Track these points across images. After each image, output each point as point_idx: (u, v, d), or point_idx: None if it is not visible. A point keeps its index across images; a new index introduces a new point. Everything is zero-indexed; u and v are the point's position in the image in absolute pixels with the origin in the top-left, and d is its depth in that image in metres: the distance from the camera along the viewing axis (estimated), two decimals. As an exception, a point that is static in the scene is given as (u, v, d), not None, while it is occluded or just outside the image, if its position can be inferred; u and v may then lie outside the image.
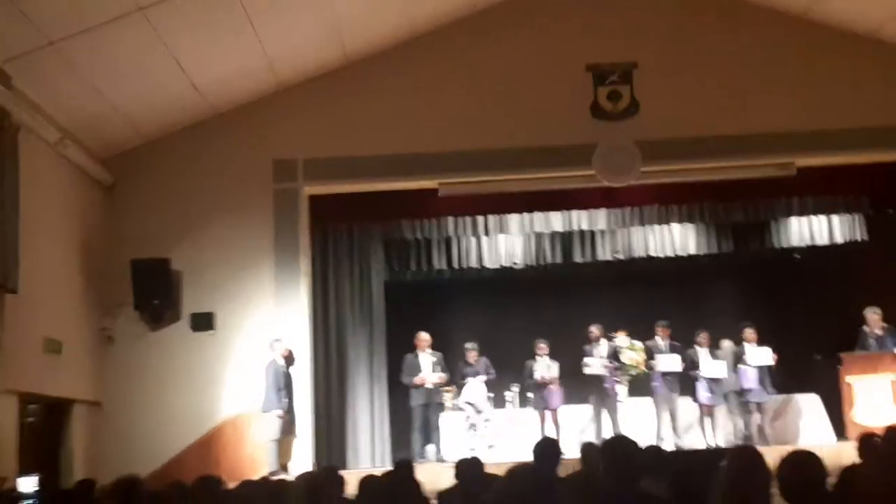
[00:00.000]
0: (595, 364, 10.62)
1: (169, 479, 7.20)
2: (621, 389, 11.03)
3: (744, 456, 3.81)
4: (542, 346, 10.84)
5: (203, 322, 10.31)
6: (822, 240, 12.16)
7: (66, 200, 9.65)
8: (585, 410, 10.98)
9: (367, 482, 5.07)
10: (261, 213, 10.51)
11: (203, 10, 8.55)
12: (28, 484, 6.74)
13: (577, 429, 10.88)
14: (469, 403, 10.67)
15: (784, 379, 11.13)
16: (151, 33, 8.53)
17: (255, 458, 9.93)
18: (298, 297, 10.47)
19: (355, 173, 10.61)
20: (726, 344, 11.08)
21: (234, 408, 10.17)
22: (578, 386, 10.99)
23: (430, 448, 10.71)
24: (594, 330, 10.91)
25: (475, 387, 10.68)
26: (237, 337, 10.34)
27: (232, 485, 5.39)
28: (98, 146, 10.17)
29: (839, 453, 8.63)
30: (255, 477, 8.48)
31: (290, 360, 10.20)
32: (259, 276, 10.42)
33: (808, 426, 10.94)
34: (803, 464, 3.09)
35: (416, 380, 10.65)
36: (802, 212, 11.82)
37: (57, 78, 8.66)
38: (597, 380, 10.65)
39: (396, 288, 12.17)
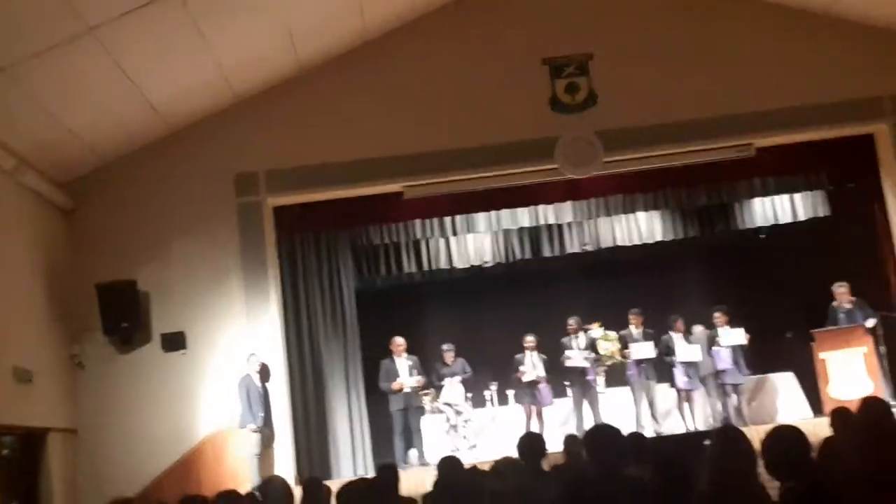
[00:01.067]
0: (576, 356, 10.65)
1: (151, 502, 7.13)
2: (600, 380, 11.08)
3: (728, 435, 3.84)
4: (530, 341, 10.82)
5: (174, 342, 10.20)
6: (785, 218, 12.30)
7: (26, 228, 9.49)
8: (565, 404, 11.01)
9: (347, 489, 5.01)
10: (226, 228, 10.41)
11: (154, 26, 8.44)
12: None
13: (558, 422, 10.91)
14: (448, 405, 10.67)
15: (758, 359, 11.25)
16: (103, 54, 8.40)
17: (237, 473, 9.84)
18: (269, 310, 10.39)
19: (318, 182, 10.55)
20: (699, 328, 11.17)
21: (213, 425, 10.06)
22: (557, 379, 11.02)
23: (413, 453, 10.68)
24: (572, 322, 10.93)
25: (453, 387, 10.67)
26: (210, 354, 10.23)
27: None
28: (56, 171, 10.01)
29: (816, 429, 8.76)
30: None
31: (265, 373, 10.12)
32: (228, 291, 10.33)
33: (784, 404, 11.07)
34: (787, 439, 3.12)
35: (394, 385, 10.61)
36: (764, 192, 11.94)
37: (9, 104, 8.50)
38: (577, 372, 10.67)
39: (368, 294, 12.13)
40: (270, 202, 10.67)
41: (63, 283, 10.01)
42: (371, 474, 10.16)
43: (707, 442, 3.67)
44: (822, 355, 10.26)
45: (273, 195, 10.62)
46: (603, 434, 4.10)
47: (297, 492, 5.87)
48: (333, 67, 10.68)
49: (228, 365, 10.09)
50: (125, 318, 9.98)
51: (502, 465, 4.64)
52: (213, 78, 9.93)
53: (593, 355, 10.86)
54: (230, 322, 10.28)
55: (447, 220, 11.67)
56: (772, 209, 12.32)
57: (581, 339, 10.88)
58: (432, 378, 11.09)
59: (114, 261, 10.20)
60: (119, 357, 10.15)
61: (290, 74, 10.58)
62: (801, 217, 12.25)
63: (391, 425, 10.70)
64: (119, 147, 10.29)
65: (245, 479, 9.63)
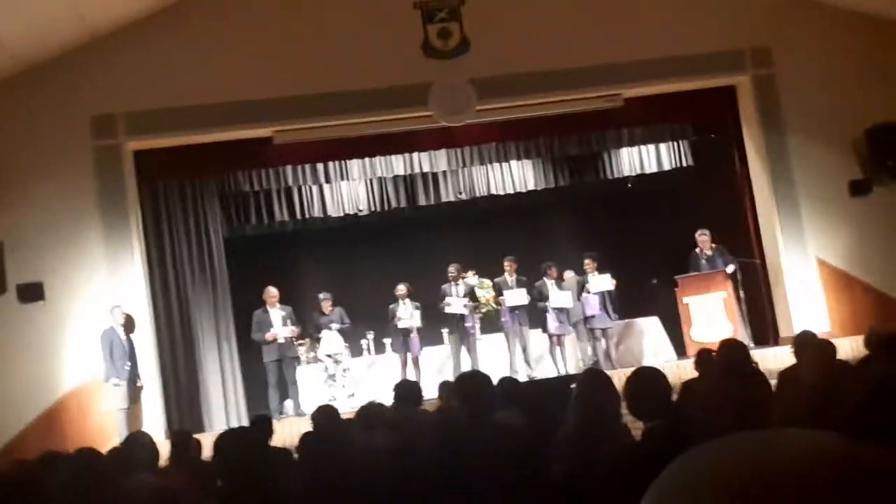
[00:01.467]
0: (455, 303, 10.70)
1: (12, 458, 6.80)
2: (476, 328, 11.20)
3: (592, 379, 3.93)
4: (402, 289, 10.80)
5: (32, 293, 9.67)
6: (651, 168, 12.64)
7: None
8: (443, 351, 11.09)
9: (222, 438, 4.89)
10: (82, 172, 9.89)
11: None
12: None
13: (434, 369, 10.99)
14: (328, 356, 10.57)
15: (626, 304, 11.60)
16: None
17: (104, 428, 9.54)
18: (132, 261, 9.98)
19: (183, 125, 10.13)
20: (570, 275, 11.41)
21: (77, 379, 9.67)
22: (434, 327, 11.07)
23: (289, 403, 10.58)
24: (453, 269, 10.95)
25: (332, 338, 10.57)
26: (71, 305, 9.79)
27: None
28: None
29: (679, 371, 9.14)
30: (104, 449, 8.17)
31: (129, 325, 9.76)
32: (87, 240, 9.86)
33: (650, 347, 11.47)
34: (648, 379, 3.19)
35: (268, 335, 10.43)
36: (632, 142, 12.22)
37: None
38: (456, 319, 10.73)
39: (238, 243, 11.84)
40: (131, 146, 10.19)
41: None
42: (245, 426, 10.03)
43: (573, 386, 3.74)
44: (685, 300, 10.66)
45: (133, 138, 10.14)
46: (473, 381, 4.12)
47: (167, 446, 5.71)
48: (199, 3, 10.22)
49: (91, 316, 9.69)
50: (-24, 268, 9.41)
51: (369, 410, 4.62)
52: (66, 14, 9.33)
53: (472, 303, 10.96)
54: (91, 272, 9.84)
55: (320, 166, 11.42)
56: (638, 159, 12.63)
57: (461, 287, 10.94)
58: (310, 328, 10.96)
59: (-38, 208, 9.58)
60: (-30, 309, 9.59)
61: (151, 10, 10.06)
62: (666, 167, 12.62)
63: (265, 377, 10.55)
64: (-37, 86, 9.59)
65: (112, 435, 9.34)
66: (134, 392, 9.63)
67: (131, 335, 9.75)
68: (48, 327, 9.71)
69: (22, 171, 9.78)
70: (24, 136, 9.83)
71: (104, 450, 5.31)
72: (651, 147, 12.54)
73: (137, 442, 5.01)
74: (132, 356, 9.66)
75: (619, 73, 10.74)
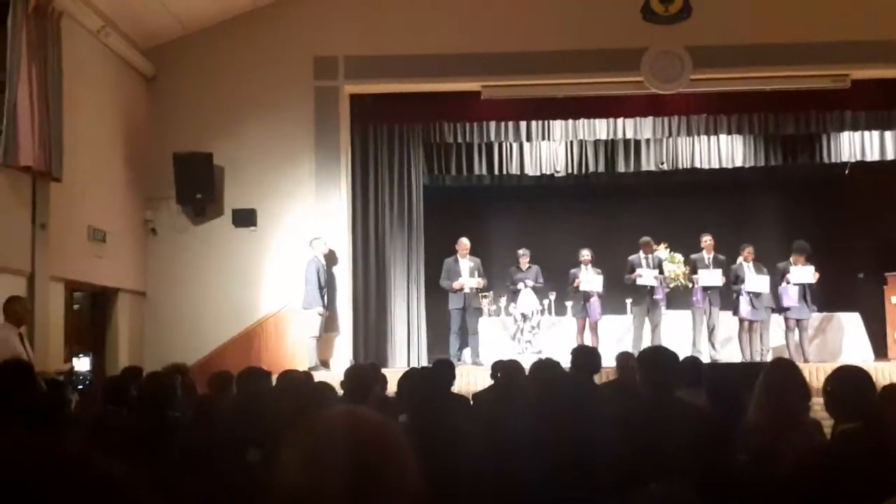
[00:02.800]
0: (647, 274, 10.52)
1: (211, 370, 7.39)
2: (663, 302, 10.97)
3: (780, 368, 3.78)
4: (586, 255, 10.74)
5: (245, 218, 10.37)
6: (873, 156, 11.80)
7: (108, 90, 9.63)
8: (623, 321, 10.96)
9: (408, 375, 5.11)
10: (301, 110, 10.42)
11: None
12: (83, 364, 6.95)
13: (614, 339, 10.89)
14: (522, 314, 10.66)
15: (827, 296, 10.99)
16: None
17: (295, 354, 10.12)
18: (339, 197, 10.46)
19: (397, 73, 10.44)
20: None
21: (275, 304, 10.31)
22: (618, 295, 10.95)
23: (467, 352, 10.83)
24: (647, 240, 10.76)
25: (527, 296, 10.67)
26: (278, 234, 10.41)
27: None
28: (140, 36, 10.09)
29: (876, 374, 8.61)
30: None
31: (331, 259, 10.27)
32: (299, 174, 10.41)
33: (848, 345, 10.85)
34: (853, 379, 3.05)
35: (455, 284, 10.68)
36: (854, 126, 11.45)
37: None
38: (646, 290, 10.55)
39: (435, 192, 12.13)
40: (348, 89, 10.62)
41: (141, 150, 10.21)
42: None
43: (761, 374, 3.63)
44: (894, 299, 9.99)
45: (351, 82, 10.56)
46: (659, 356, 4.04)
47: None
48: (424, -45, 10.44)
49: (295, 246, 10.25)
50: (199, 189, 10.15)
51: (547, 371, 4.66)
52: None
53: (661, 275, 10.75)
54: (300, 204, 10.40)
55: (523, 124, 11.46)
56: (860, 145, 11.82)
57: (651, 259, 10.73)
58: (506, 281, 11.14)
59: (191, 132, 10.33)
60: (191, 227, 10.39)
61: (379, -41, 10.38)
62: (890, 156, 11.74)
63: (448, 323, 10.84)
64: (203, 18, 10.29)
65: (303, 360, 9.90)
66: (328, 322, 10.15)
67: (331, 268, 10.26)
68: (256, 252, 10.39)
69: (247, 104, 10.43)
70: (251, 70, 10.45)
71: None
72: (875, 133, 11.70)
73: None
74: (330, 288, 10.17)
75: (848, 53, 10.09)
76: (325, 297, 10.01)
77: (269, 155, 10.40)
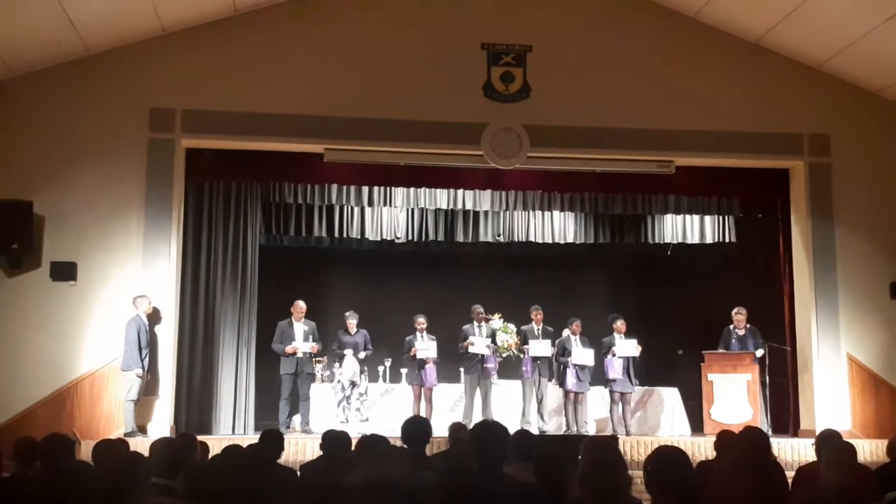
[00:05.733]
0: (479, 343, 10.66)
1: (19, 433, 6.83)
2: (495, 371, 11.11)
3: (597, 447, 3.86)
4: (421, 322, 10.76)
5: (64, 271, 9.78)
6: (693, 238, 12.55)
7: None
8: (457, 389, 11.02)
9: (229, 451, 4.88)
10: (134, 162, 10.00)
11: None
12: None
13: (447, 407, 10.92)
14: (351, 382, 10.44)
15: (648, 371, 11.47)
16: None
17: (111, 416, 9.58)
18: (168, 253, 10.03)
19: (238, 129, 10.22)
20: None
21: (93, 363, 9.71)
22: (452, 364, 11.01)
23: (297, 418, 10.55)
24: (480, 310, 10.92)
25: (353, 363, 10.44)
26: (100, 290, 9.86)
27: (85, 443, 5.12)
28: (-40, 75, 9.47)
29: (693, 448, 9.00)
30: (111, 436, 8.17)
31: (154, 318, 9.80)
32: (127, 228, 9.95)
33: (666, 419, 11.31)
34: (671, 459, 3.12)
35: (288, 348, 10.45)
36: (678, 210, 12.15)
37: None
38: (477, 359, 10.66)
39: (273, 252, 11.89)
40: (185, 143, 10.30)
41: (-48, 195, 9.49)
42: (251, 434, 10.00)
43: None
44: (710, 377, 10.53)
45: (188, 136, 10.24)
46: (490, 432, 4.05)
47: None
48: (269, 15, 10.38)
49: (118, 304, 9.75)
50: (16, 239, 9.54)
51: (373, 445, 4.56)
52: (141, 6, 9.52)
53: (494, 345, 10.92)
54: (126, 260, 9.91)
55: (365, 189, 11.46)
56: (682, 228, 12.55)
57: (484, 328, 10.90)
58: (331, 344, 10.94)
59: (11, 178, 9.74)
60: (4, 279, 9.70)
61: (223, 15, 10.23)
62: (709, 240, 12.53)
63: (278, 388, 10.53)
64: (31, 61, 9.78)
65: (119, 424, 9.37)
66: (149, 385, 9.65)
67: (154, 327, 9.79)
68: (75, 308, 9.78)
69: (74, 151, 9.92)
70: (83, 117, 9.98)
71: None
72: (696, 218, 12.46)
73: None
74: (152, 348, 9.70)
75: (674, 141, 10.74)
76: (146, 359, 9.53)
77: (96, 206, 9.91)
